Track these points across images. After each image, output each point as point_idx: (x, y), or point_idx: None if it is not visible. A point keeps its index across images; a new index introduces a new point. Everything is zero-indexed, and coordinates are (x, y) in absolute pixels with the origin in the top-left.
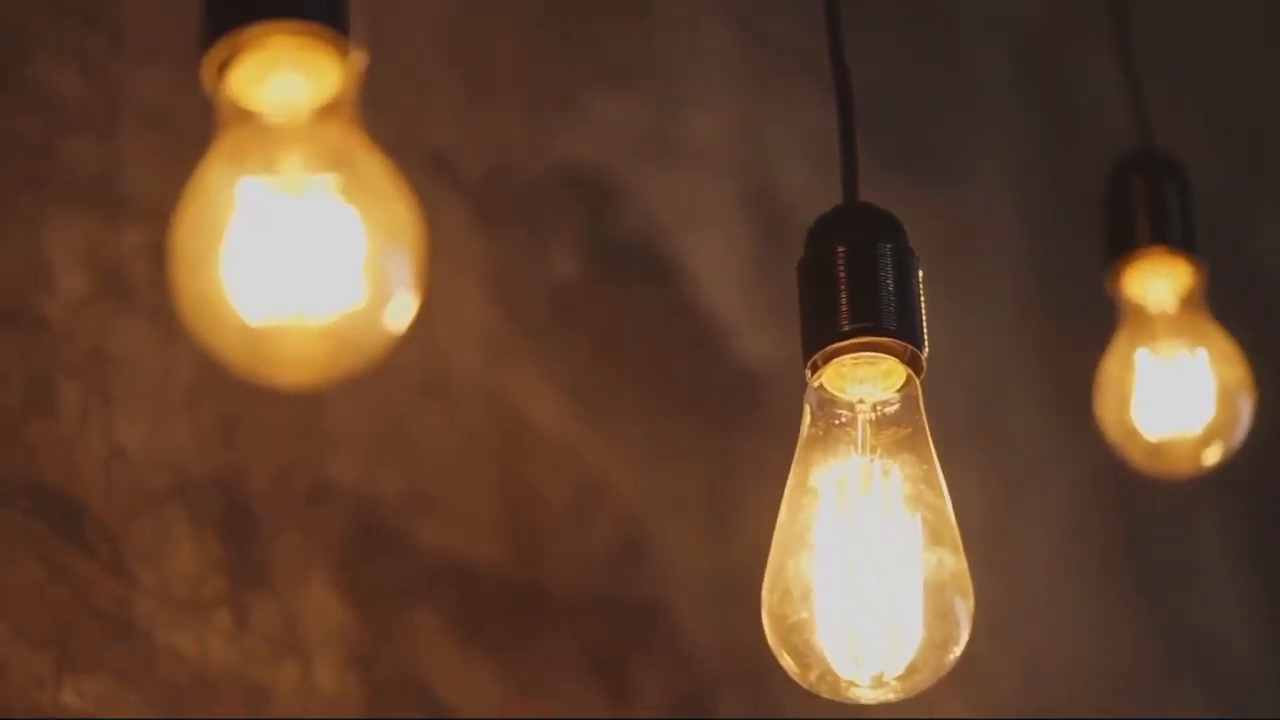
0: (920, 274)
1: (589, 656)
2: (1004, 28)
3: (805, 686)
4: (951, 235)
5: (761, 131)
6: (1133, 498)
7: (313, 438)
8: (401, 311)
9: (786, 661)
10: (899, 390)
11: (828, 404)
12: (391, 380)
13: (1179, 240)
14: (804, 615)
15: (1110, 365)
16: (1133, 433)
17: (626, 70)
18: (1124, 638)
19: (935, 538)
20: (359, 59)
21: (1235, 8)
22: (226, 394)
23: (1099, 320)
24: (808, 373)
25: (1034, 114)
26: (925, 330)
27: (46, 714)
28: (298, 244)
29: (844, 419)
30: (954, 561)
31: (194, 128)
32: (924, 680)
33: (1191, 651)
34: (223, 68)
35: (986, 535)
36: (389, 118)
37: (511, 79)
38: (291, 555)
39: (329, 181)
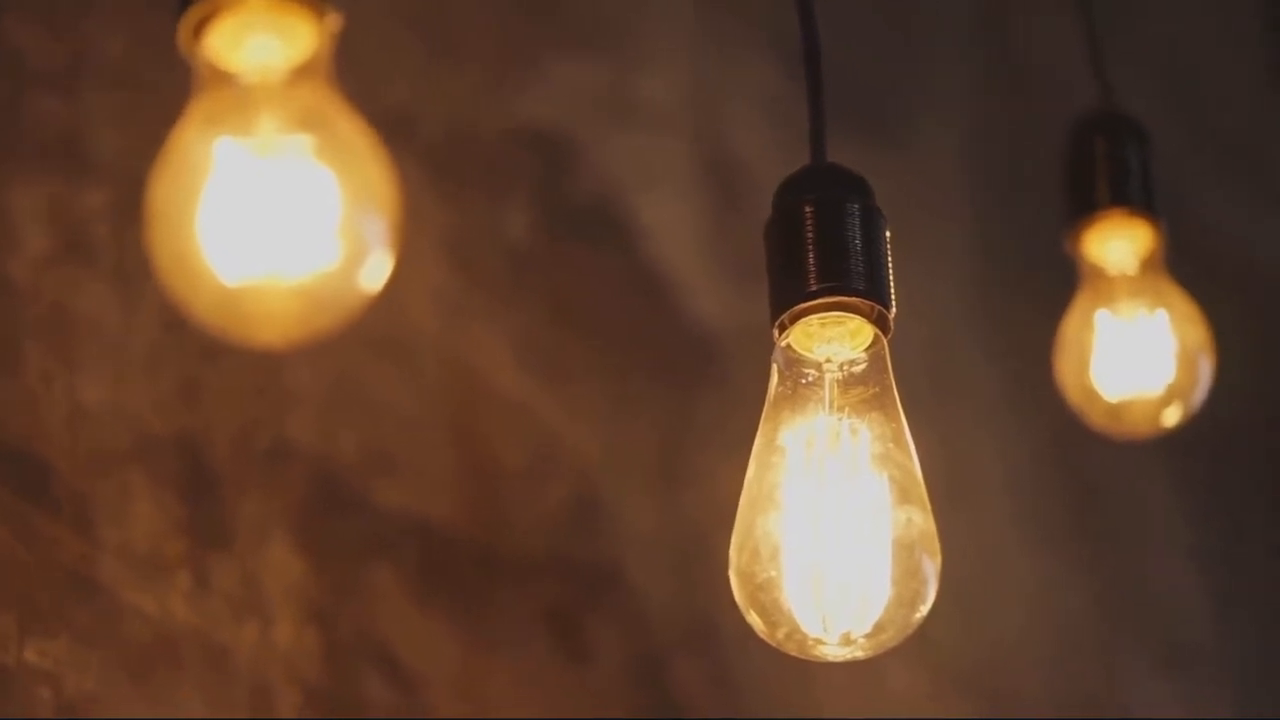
0: (888, 234)
1: (545, 616)
2: None
3: (773, 644)
4: (904, 194)
5: (718, 93)
6: (1086, 458)
7: (271, 397)
8: (377, 271)
9: (754, 620)
10: (866, 349)
11: (795, 363)
12: (349, 340)
13: (1139, 201)
14: (772, 574)
15: (1070, 326)
16: (1092, 394)
17: (584, 32)
18: (1073, 599)
19: (904, 496)
20: (335, 21)
21: None
22: (187, 355)
23: (1052, 280)
24: (775, 332)
25: (987, 71)
26: (893, 290)
27: (9, 673)
28: (273, 204)
29: (811, 378)
30: (922, 520)
31: (160, 90)
32: (891, 639)
33: (1142, 614)
34: (199, 29)
35: (937, 495)
36: (346, 78)
37: (470, 41)
38: (252, 515)
39: (304, 142)
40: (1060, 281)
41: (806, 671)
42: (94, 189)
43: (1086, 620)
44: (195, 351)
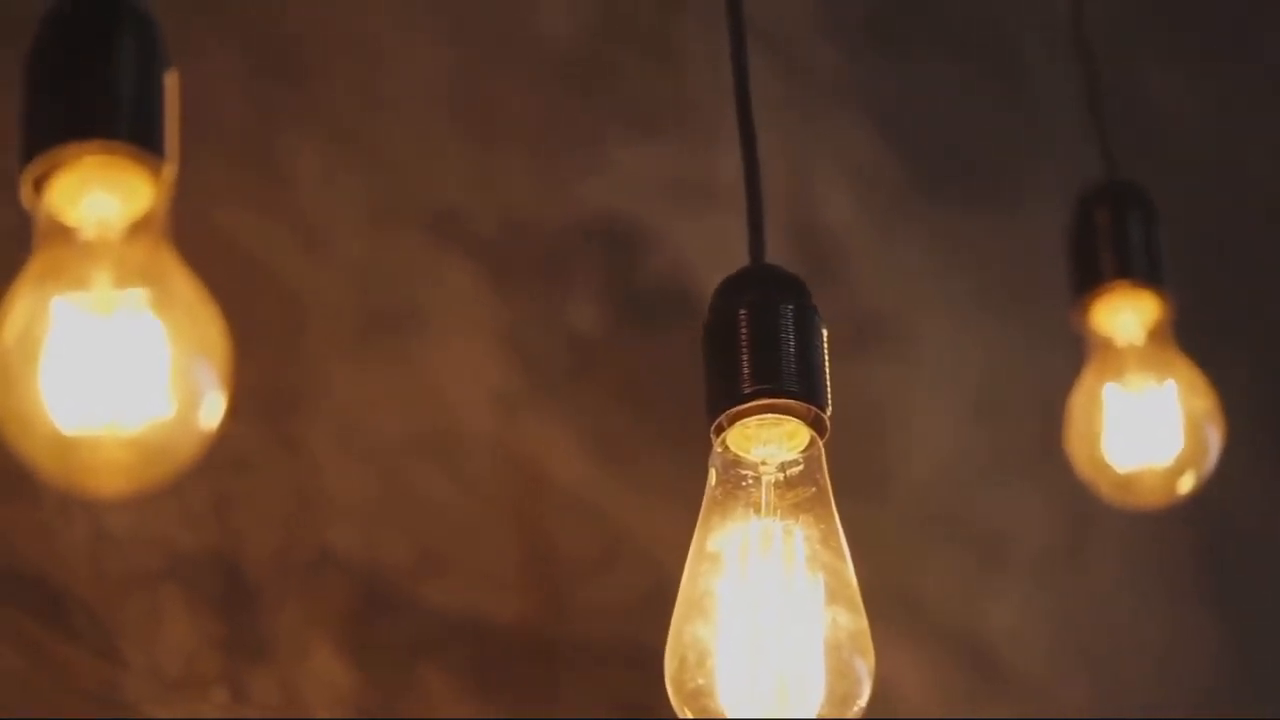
0: (825, 334)
1: (615, 705)
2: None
3: None
4: (1012, 262)
5: (796, 166)
6: (1212, 512)
7: (312, 507)
8: (212, 412)
9: None
10: (802, 451)
11: (732, 465)
12: (396, 444)
13: (1144, 274)
14: (700, 681)
15: (1078, 399)
16: (1102, 466)
17: (645, 112)
18: (1202, 654)
19: (833, 597)
20: (171, 175)
21: None
22: (218, 469)
23: None
24: (712, 435)
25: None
26: (829, 391)
27: None
28: (108, 359)
29: (749, 480)
30: (851, 620)
31: None
32: None
33: (1274, 669)
34: (39, 184)
35: (1057, 553)
36: (393, 180)
37: (520, 129)
38: (291, 626)
39: (138, 296)
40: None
41: None
42: None
43: (1217, 675)
44: (226, 465)
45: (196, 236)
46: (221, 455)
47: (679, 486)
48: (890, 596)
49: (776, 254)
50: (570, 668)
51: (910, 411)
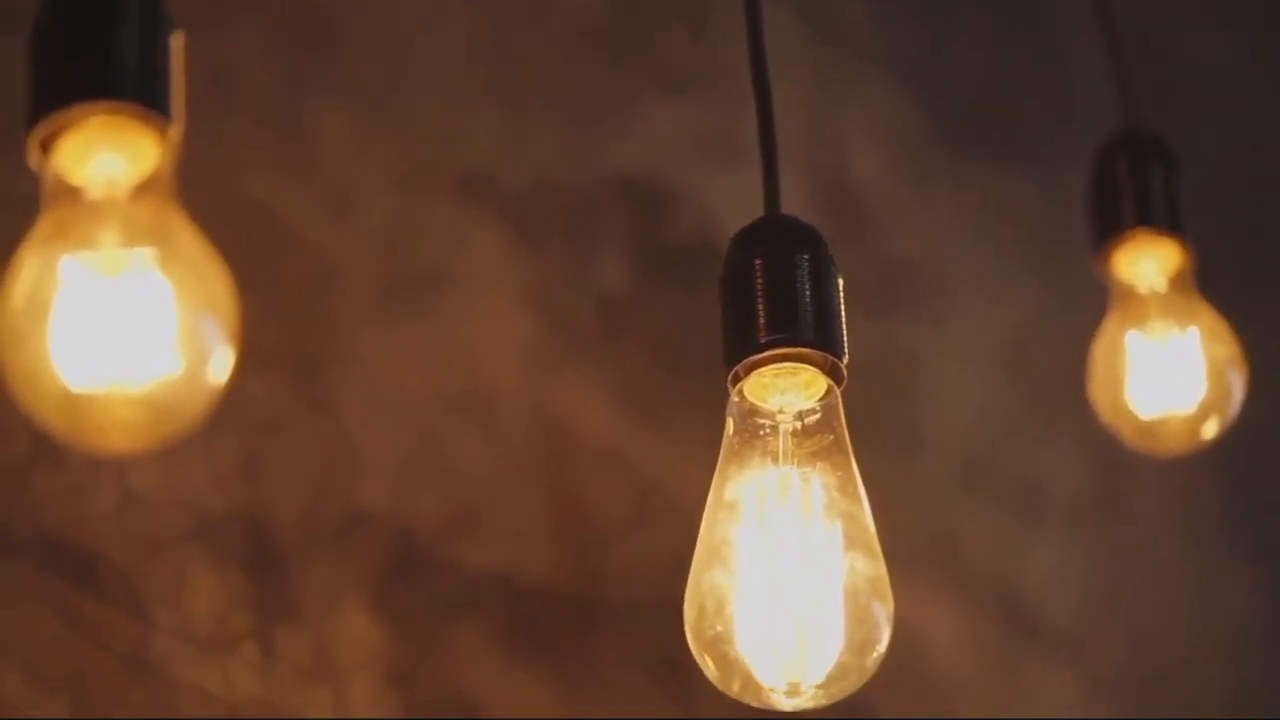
0: (841, 283)
1: (649, 661)
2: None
3: (730, 696)
4: (1042, 215)
5: (825, 122)
6: (1247, 461)
7: (340, 467)
8: (220, 368)
9: (710, 671)
10: (820, 400)
11: (750, 414)
12: (425, 403)
13: (1165, 221)
14: (719, 629)
15: (1101, 347)
16: (1126, 413)
17: (676, 74)
18: (1237, 604)
19: (850, 544)
20: (177, 135)
21: None
22: (245, 432)
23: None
24: (729, 385)
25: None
26: (845, 339)
27: None
28: (117, 317)
29: (766, 429)
30: (869, 566)
31: None
32: (849, 685)
33: None
34: (46, 146)
35: (1092, 504)
36: (420, 143)
37: (551, 92)
38: (322, 586)
39: (145, 255)
40: (1215, 297)
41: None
42: None
43: (1254, 621)
44: (255, 426)
45: (226, 202)
46: (250, 417)
47: (710, 441)
48: (925, 549)
49: (806, 210)
50: (602, 624)
51: (943, 364)
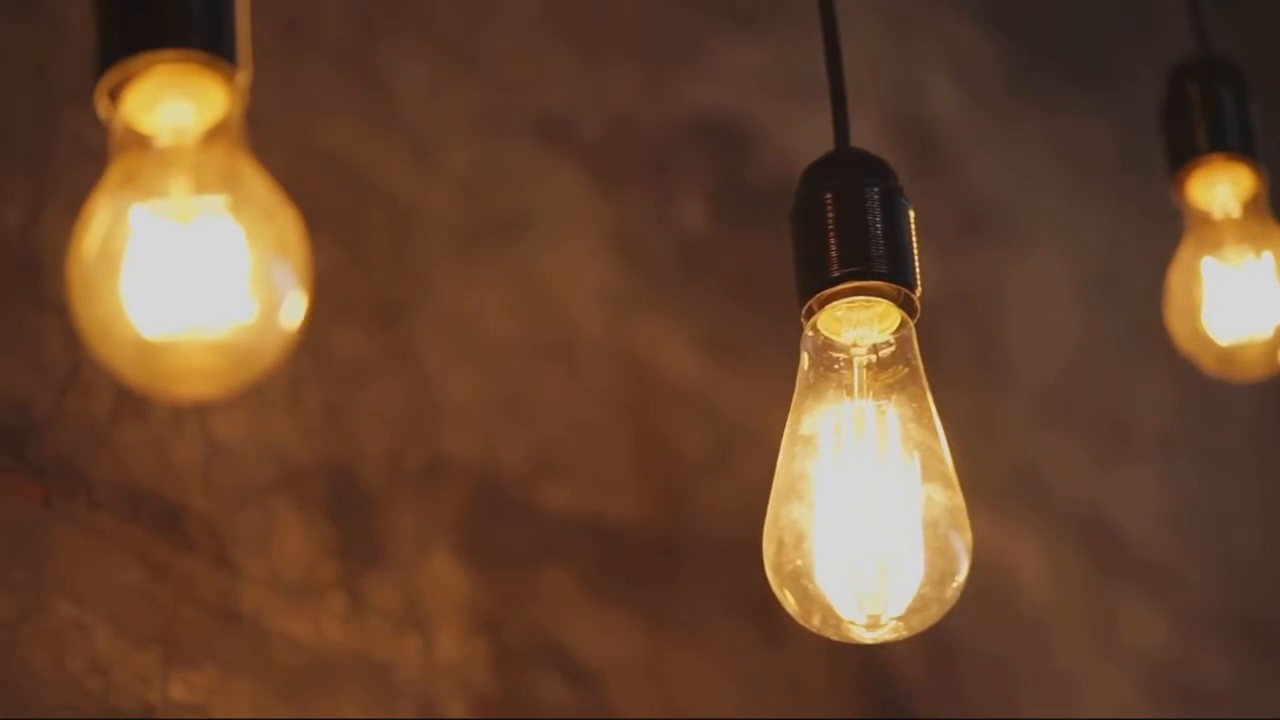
0: (912, 215)
1: (739, 602)
2: None
3: (811, 629)
4: (1121, 146)
5: (902, 59)
6: None
7: (424, 415)
8: (294, 312)
9: (790, 605)
10: (894, 333)
11: (824, 348)
12: (507, 348)
13: (1238, 145)
14: (798, 563)
15: (1176, 274)
16: (1204, 340)
17: (752, 13)
18: None
19: (928, 474)
20: (245, 79)
21: None
22: (329, 383)
23: None
24: (802, 319)
25: None
26: (918, 271)
27: (156, 710)
28: (189, 264)
29: (841, 363)
30: (947, 497)
31: None
32: (929, 616)
33: None
34: (115, 93)
35: (1178, 435)
36: (498, 89)
37: (625, 37)
38: (409, 533)
39: (216, 201)
40: None
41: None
42: None
43: None
44: (338, 375)
45: (304, 151)
46: (334, 365)
47: (793, 380)
48: (1011, 481)
49: (882, 146)
50: (690, 565)
51: (1027, 298)
